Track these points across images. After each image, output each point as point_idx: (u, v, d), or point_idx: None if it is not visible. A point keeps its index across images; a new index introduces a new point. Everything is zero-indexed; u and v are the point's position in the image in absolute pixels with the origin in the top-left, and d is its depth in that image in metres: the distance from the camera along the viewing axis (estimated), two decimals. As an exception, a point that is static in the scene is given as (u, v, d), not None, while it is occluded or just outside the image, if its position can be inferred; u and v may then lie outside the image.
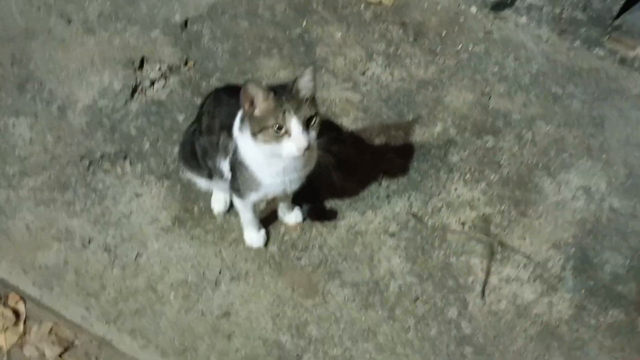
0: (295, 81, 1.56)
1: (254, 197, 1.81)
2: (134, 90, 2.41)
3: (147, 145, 2.27)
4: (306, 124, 1.53)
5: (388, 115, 2.39)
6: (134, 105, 2.37)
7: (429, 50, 2.60)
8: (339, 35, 2.61)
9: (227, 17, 2.62)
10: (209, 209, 2.14)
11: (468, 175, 2.26)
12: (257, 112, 1.56)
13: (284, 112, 1.51)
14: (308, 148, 1.52)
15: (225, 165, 1.83)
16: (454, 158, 2.30)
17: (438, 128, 2.37)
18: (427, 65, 2.55)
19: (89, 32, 2.55)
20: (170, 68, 2.48)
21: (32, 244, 2.06)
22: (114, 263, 2.02)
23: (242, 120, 1.66)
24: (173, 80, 2.45)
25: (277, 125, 1.52)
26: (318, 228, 2.13)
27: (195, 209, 2.14)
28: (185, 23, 2.59)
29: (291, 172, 1.69)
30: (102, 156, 2.24)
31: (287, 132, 1.52)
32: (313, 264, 2.05)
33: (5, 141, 2.25)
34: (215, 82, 2.43)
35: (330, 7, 2.69)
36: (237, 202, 1.90)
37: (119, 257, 2.03)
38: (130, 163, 2.23)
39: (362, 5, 2.71)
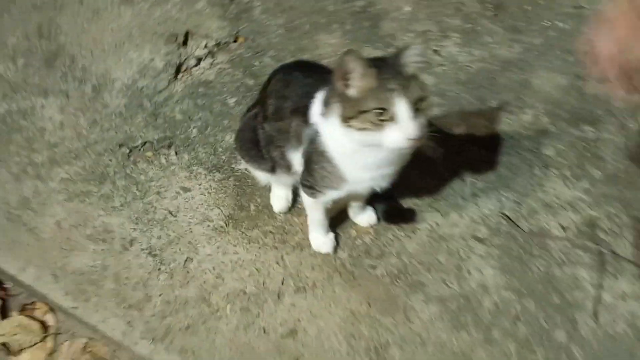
0: (398, 55, 1.25)
1: (332, 195, 1.51)
2: (178, 69, 2.11)
3: (194, 132, 1.98)
4: (414, 108, 1.22)
5: (468, 101, 2.08)
6: (178, 86, 2.08)
7: (511, 27, 2.27)
8: (408, 8, 2.30)
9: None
10: (267, 207, 1.84)
11: (567, 172, 1.93)
12: (352, 91, 1.25)
13: (390, 93, 1.20)
14: (418, 137, 1.21)
15: (296, 157, 1.53)
16: (548, 151, 1.97)
17: (528, 116, 2.05)
18: (510, 43, 2.23)
19: (125, 1, 2.26)
20: (218, 44, 2.18)
21: (64, 245, 1.78)
22: (160, 269, 1.73)
23: (326, 103, 1.35)
24: (222, 58, 2.15)
25: (380, 109, 1.21)
26: (394, 232, 1.82)
27: (252, 206, 1.85)
28: (233, -8, 2.29)
29: (384, 166, 1.39)
30: (143, 144, 1.94)
31: (392, 118, 1.21)
32: (391, 273, 1.74)
33: (33, 124, 1.97)
34: (269, 61, 2.13)
35: (399, -22, 2.37)
36: (308, 201, 1.60)
37: (165, 262, 1.74)
38: (176, 152, 1.94)
39: (435, -24, 2.38)
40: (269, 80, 1.66)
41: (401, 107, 1.20)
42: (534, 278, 1.74)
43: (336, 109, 1.30)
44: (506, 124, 2.03)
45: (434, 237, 1.81)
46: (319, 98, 1.39)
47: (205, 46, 2.16)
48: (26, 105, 1.99)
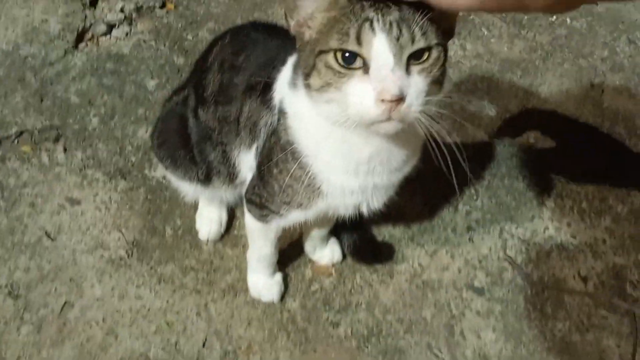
0: None
1: (294, 218, 1.00)
2: (80, 36, 1.57)
3: (94, 122, 1.44)
4: (407, 60, 0.72)
5: (462, 106, 1.62)
6: (78, 59, 1.53)
7: (513, 20, 1.84)
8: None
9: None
10: (190, 233, 1.32)
11: (584, 204, 1.50)
12: (310, 32, 0.75)
13: (362, 23, 0.71)
14: (401, 100, 0.71)
15: (245, 158, 1.02)
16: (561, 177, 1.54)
17: (535, 131, 1.61)
18: (512, 39, 1.79)
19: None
20: (138, 9, 1.65)
21: None
22: (23, 318, 1.18)
23: (295, 67, 0.85)
24: (142, 26, 1.61)
25: (344, 50, 0.71)
26: (365, 274, 1.33)
27: (168, 230, 1.32)
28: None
29: (384, 168, 0.89)
30: (19, 133, 1.40)
31: (365, 65, 0.71)
32: (358, 334, 1.25)
33: None
34: (206, 36, 1.62)
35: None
36: (255, 226, 1.09)
37: (32, 307, 1.19)
38: (65, 148, 1.40)
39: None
40: (209, 48, 1.14)
41: (378, 46, 0.71)
42: (548, 347, 1.29)
43: (299, 69, 0.80)
44: (508, 138, 1.58)
45: (417, 283, 1.34)
46: (289, 65, 0.89)
47: (122, 10, 1.62)
48: None
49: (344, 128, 0.76)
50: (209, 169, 1.14)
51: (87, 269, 1.24)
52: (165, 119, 1.21)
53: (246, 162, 1.04)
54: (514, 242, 1.41)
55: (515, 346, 1.27)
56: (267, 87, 0.94)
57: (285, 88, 0.87)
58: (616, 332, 1.32)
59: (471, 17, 1.82)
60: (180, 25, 1.63)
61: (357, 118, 0.73)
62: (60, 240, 1.27)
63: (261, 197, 1.00)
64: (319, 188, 0.91)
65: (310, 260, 1.33)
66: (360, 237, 1.34)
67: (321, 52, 0.73)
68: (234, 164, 1.07)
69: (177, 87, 1.25)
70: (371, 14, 0.71)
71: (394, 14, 0.71)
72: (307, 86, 0.76)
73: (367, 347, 1.23)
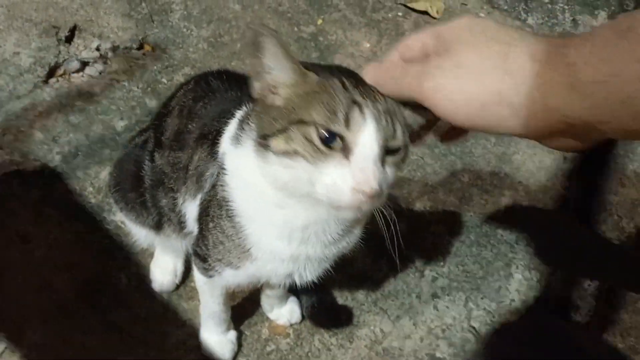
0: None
1: (229, 277, 0.96)
2: (51, 72, 1.53)
3: (56, 160, 1.39)
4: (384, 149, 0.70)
5: (434, 169, 1.60)
6: (47, 94, 1.50)
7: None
8: (366, 45, 1.84)
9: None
10: (144, 280, 1.26)
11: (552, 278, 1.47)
12: (276, 99, 0.72)
13: (353, 105, 0.68)
14: (377, 195, 0.69)
15: (191, 208, 0.98)
16: (529, 249, 1.51)
17: (506, 199, 1.59)
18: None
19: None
20: (114, 48, 1.62)
21: None
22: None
23: (242, 123, 0.82)
24: (117, 65, 1.59)
25: (330, 130, 0.68)
26: (324, 337, 1.28)
27: (123, 277, 1.26)
28: (148, -9, 1.75)
29: (319, 239, 0.85)
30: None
31: (347, 149, 0.69)
32: (312, 402, 1.19)
33: None
34: (181, 80, 1.59)
35: (357, 6, 1.92)
36: (200, 280, 1.04)
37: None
38: (21, 183, 1.33)
39: (400, 12, 1.95)
40: (174, 92, 1.11)
41: (367, 135, 0.68)
42: None
43: (251, 125, 0.77)
44: (479, 205, 1.56)
45: (377, 350, 1.29)
46: (237, 118, 0.86)
47: (97, 48, 1.60)
48: None
49: (287, 193, 0.73)
50: (160, 216, 1.09)
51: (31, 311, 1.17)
52: (123, 160, 1.18)
53: (191, 212, 1.00)
54: (479, 313, 1.38)
55: None
56: (217, 137, 0.91)
57: (227, 143, 0.85)
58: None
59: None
60: (155, 67, 1.60)
61: (322, 197, 0.70)
62: (5, 277, 1.20)
63: (202, 250, 0.96)
64: (248, 250, 0.87)
65: (268, 319, 1.27)
66: (319, 300, 1.29)
67: (301, 121, 0.70)
68: (180, 212, 1.03)
69: (140, 130, 1.22)
70: (359, 98, 0.69)
71: (382, 104, 0.70)
72: (265, 146, 0.72)
73: (321, 417, 1.17)
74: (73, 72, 1.54)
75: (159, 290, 1.25)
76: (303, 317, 1.28)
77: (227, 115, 0.90)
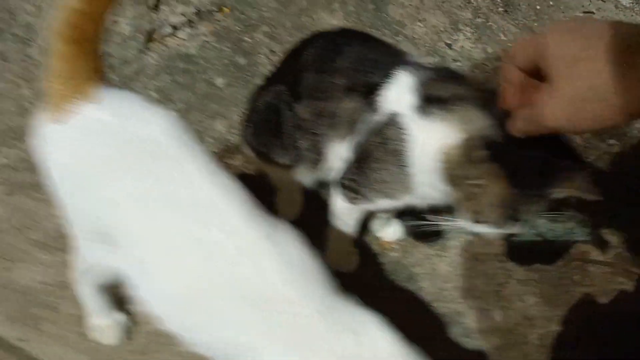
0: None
1: (381, 205, 1.19)
2: (149, 37, 1.70)
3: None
4: None
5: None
6: (151, 58, 1.66)
7: (524, 25, 2.06)
8: (414, -5, 2.02)
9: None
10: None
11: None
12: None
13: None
14: None
15: (338, 149, 1.20)
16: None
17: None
18: (523, 43, 2.02)
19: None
20: (198, 12, 1.78)
21: (3, 254, 1.32)
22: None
23: (424, 97, 1.04)
24: (204, 29, 1.76)
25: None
26: (423, 249, 1.53)
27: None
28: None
29: None
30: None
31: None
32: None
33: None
34: (261, 38, 1.77)
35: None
36: (343, 207, 1.27)
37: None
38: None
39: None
40: (299, 49, 1.30)
41: None
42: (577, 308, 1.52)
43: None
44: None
45: (466, 257, 1.54)
46: (403, 81, 1.08)
47: (183, 13, 1.76)
48: None
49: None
50: (297, 155, 1.30)
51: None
52: (257, 111, 1.36)
53: (338, 152, 1.21)
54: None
55: (553, 308, 1.50)
56: (370, 91, 1.12)
57: (403, 107, 1.06)
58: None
59: (489, 23, 2.04)
60: (237, 28, 1.78)
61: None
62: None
63: (356, 183, 1.18)
64: (411, 189, 1.10)
65: (377, 238, 1.52)
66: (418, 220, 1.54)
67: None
68: (322, 152, 1.24)
69: (265, 82, 1.40)
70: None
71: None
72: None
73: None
74: (166, 36, 1.71)
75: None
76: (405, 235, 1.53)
77: (375, 72, 1.11)
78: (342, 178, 1.21)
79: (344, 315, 0.80)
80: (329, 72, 1.20)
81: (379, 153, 1.11)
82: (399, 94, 1.08)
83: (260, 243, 0.81)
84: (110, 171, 0.85)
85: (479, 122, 0.97)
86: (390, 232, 1.50)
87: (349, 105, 1.15)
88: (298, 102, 1.24)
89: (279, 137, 1.30)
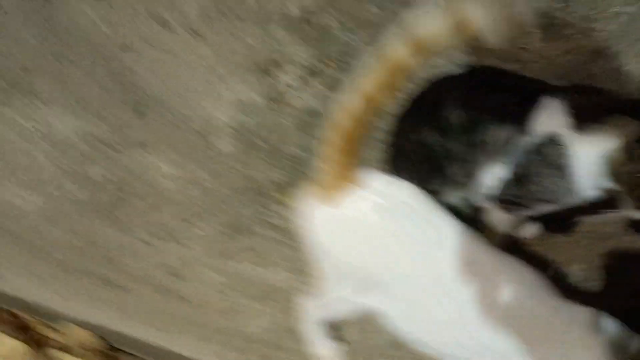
0: None
1: (541, 209, 1.46)
2: (277, 100, 1.97)
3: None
4: None
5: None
6: (284, 118, 1.94)
7: (584, 17, 2.29)
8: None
9: (351, 1, 2.20)
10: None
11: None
12: None
13: None
14: None
15: (492, 170, 1.45)
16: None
17: None
18: (588, 33, 2.25)
19: (195, 35, 2.07)
20: (309, 70, 2.05)
21: (226, 308, 1.61)
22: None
23: (580, 117, 1.30)
24: (319, 84, 2.02)
25: None
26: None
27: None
28: (305, 14, 2.16)
29: None
30: (271, 185, 1.80)
31: None
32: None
33: (148, 184, 1.77)
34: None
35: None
36: (504, 217, 1.53)
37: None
38: (305, 192, 1.81)
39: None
40: (437, 86, 1.55)
41: None
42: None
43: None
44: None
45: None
46: (550, 104, 1.35)
47: (297, 74, 2.03)
48: (133, 164, 1.79)
49: None
50: (445, 180, 1.55)
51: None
52: (401, 148, 1.59)
53: (489, 174, 1.47)
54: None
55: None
56: (521, 119, 1.38)
57: (560, 128, 1.33)
58: None
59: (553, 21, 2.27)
60: (346, 76, 2.04)
61: None
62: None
63: (516, 195, 1.45)
64: (574, 190, 1.37)
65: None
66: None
67: None
68: (473, 175, 1.49)
69: (400, 121, 1.63)
70: None
71: None
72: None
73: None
74: (290, 97, 1.98)
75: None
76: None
77: (520, 102, 1.37)
78: (502, 194, 1.47)
79: (570, 312, 1.08)
80: (474, 108, 1.45)
81: (540, 169, 1.38)
82: (549, 116, 1.34)
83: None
84: (377, 236, 1.13)
85: (630, 125, 1.24)
86: (530, 229, 1.76)
87: (501, 134, 1.41)
88: (445, 136, 1.50)
89: (426, 167, 1.56)
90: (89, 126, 1.83)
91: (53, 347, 1.68)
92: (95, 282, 1.76)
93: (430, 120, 1.52)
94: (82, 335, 1.67)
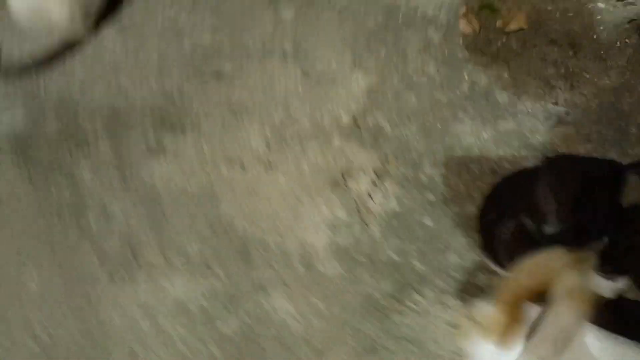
0: None
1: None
2: (359, 212, 2.14)
3: (418, 266, 2.03)
4: None
5: (611, 135, 2.29)
6: (372, 228, 2.11)
7: (594, 57, 2.52)
8: (504, 74, 2.47)
9: (390, 98, 2.40)
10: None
11: None
12: None
13: None
14: None
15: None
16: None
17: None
18: (604, 72, 2.47)
19: (266, 168, 2.24)
20: (376, 173, 2.23)
21: None
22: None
23: None
24: (388, 184, 2.21)
25: None
26: None
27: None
28: (355, 119, 2.34)
29: None
30: (385, 297, 1.97)
31: None
32: None
33: (273, 327, 1.93)
34: (430, 171, 2.22)
35: (478, 51, 2.54)
36: (606, 285, 1.73)
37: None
38: (416, 291, 1.98)
39: (505, 38, 2.57)
40: (524, 177, 1.75)
41: None
42: None
43: None
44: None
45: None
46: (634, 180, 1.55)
47: (368, 179, 2.21)
48: (254, 310, 1.94)
49: None
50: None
51: None
52: (499, 242, 1.82)
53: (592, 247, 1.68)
54: None
55: None
56: (608, 196, 1.58)
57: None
58: None
59: (570, 70, 2.49)
60: (409, 170, 2.23)
61: None
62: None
63: (618, 267, 1.65)
64: None
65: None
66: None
67: None
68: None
69: (486, 221, 1.85)
70: None
71: None
72: None
73: None
74: (369, 205, 2.16)
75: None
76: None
77: (604, 179, 1.57)
78: (603, 266, 1.67)
79: None
80: (560, 197, 1.65)
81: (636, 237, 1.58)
82: (636, 188, 1.54)
83: None
84: None
85: None
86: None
87: (597, 215, 1.61)
88: (544, 223, 1.70)
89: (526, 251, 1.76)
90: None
91: None
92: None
93: (525, 209, 1.73)
94: None
